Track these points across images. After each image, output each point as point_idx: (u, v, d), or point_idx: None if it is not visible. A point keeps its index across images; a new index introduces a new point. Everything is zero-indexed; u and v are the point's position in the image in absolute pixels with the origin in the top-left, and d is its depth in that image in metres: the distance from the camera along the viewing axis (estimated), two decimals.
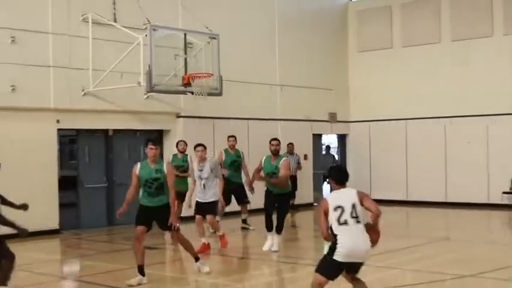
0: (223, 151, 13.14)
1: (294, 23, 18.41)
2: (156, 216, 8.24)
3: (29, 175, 12.47)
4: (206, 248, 10.33)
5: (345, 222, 5.92)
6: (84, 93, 13.61)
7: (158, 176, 8.13)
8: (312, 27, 18.96)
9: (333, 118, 19.63)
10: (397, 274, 8.78)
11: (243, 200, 13.14)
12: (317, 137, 19.51)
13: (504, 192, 17.11)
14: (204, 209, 10.48)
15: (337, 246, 5.89)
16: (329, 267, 5.96)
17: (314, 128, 18.96)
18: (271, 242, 10.40)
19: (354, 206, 5.99)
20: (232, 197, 13.16)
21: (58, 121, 13.30)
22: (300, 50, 18.52)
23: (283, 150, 16.77)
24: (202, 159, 10.50)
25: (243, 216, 13.39)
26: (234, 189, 12.91)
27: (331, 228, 5.97)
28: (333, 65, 19.69)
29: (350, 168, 20.06)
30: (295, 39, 18.40)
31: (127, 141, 14.94)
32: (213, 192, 10.43)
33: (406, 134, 18.89)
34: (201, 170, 10.44)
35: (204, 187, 10.40)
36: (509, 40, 17.45)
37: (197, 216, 10.58)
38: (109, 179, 14.55)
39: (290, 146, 16.90)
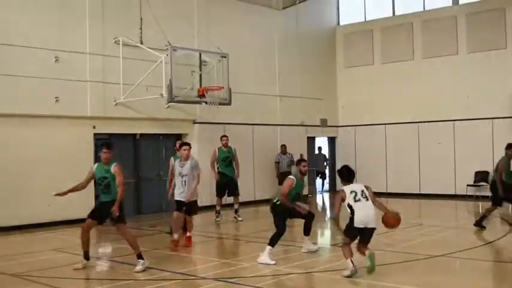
0: (217, 149, 12.92)
1: (291, 43, 18.37)
2: (103, 210, 7.96)
3: (71, 172, 12.38)
4: (188, 240, 9.45)
5: (359, 200, 7.27)
6: (116, 104, 13.60)
7: (106, 176, 7.96)
8: (307, 47, 18.92)
9: (324, 123, 19.57)
10: (378, 254, 8.69)
11: (234, 192, 12.94)
12: (311, 140, 19.47)
13: (468, 185, 17.01)
14: (186, 207, 9.55)
15: (354, 216, 7.19)
16: (350, 231, 7.25)
17: (308, 131, 18.92)
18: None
19: (363, 191, 7.36)
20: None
21: (94, 127, 13.33)
22: (296, 66, 18.49)
23: (277, 151, 16.83)
24: (186, 158, 9.58)
25: (235, 206, 13.03)
26: (226, 182, 12.72)
27: (350, 206, 7.21)
28: (324, 78, 19.64)
29: (338, 165, 20.03)
30: (292, 57, 18.37)
31: (152, 144, 14.90)
32: (193, 192, 9.55)
33: (386, 136, 18.83)
34: (182, 167, 9.55)
35: (184, 183, 9.49)
36: (472, 57, 17.38)
37: (176, 212, 9.56)
38: (136, 175, 14.51)
39: (283, 147, 16.84)
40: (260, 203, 15.98)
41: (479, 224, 10.81)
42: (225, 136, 13.18)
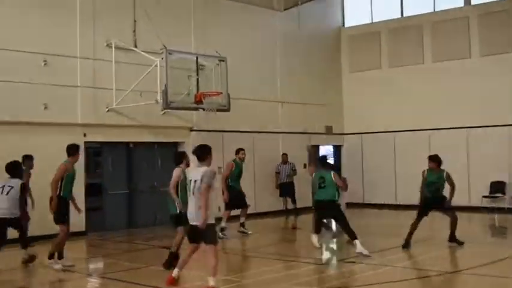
0: (233, 162, 12.81)
1: (293, 46, 18.40)
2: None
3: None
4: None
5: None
6: (108, 110, 13.62)
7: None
8: (309, 50, 18.95)
9: (328, 131, 19.57)
10: (389, 271, 8.66)
11: (245, 203, 12.85)
12: (315, 148, 19.43)
13: (484, 196, 16.96)
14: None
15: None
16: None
17: (312, 139, 18.90)
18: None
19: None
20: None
21: (85, 135, 13.33)
22: (299, 70, 18.50)
23: (279, 160, 16.80)
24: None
25: (242, 219, 12.90)
26: (235, 195, 12.61)
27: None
28: (328, 83, 19.66)
29: (344, 174, 19.97)
30: (295, 61, 18.39)
31: (146, 153, 14.90)
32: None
33: (395, 144, 18.81)
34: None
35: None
36: (485, 61, 17.41)
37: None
38: (130, 186, 14.51)
39: (284, 156, 16.78)
40: (261, 215, 15.94)
41: None
42: (243, 149, 13.07)
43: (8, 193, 9.30)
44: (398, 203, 18.38)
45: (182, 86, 13.28)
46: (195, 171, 7.14)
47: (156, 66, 12.49)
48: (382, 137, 18.98)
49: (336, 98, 19.91)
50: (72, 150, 9.59)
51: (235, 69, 14.89)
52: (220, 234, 12.06)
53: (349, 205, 19.08)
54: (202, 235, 6.99)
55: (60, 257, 9.30)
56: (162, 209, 14.10)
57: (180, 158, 9.35)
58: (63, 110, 12.94)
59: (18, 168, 9.74)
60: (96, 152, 14.23)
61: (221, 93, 13.27)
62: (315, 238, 10.83)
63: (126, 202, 14.43)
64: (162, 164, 14.85)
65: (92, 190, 13.62)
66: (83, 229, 13.07)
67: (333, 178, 10.44)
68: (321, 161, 11.67)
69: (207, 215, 6.88)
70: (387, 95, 18.99)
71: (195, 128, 15.47)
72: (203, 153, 7.19)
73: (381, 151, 19.02)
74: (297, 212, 16.24)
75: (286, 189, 16.43)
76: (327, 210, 10.48)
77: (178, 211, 8.79)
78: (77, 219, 12.77)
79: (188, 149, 15.10)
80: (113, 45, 13.56)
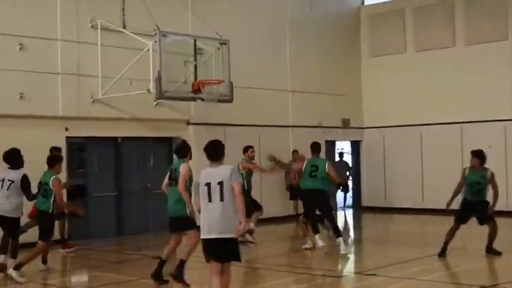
0: (245, 161, 12.77)
1: (305, 27, 18.33)
2: None
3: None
4: None
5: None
6: (93, 101, 13.61)
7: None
8: (324, 32, 18.88)
9: (346, 124, 19.52)
10: (412, 285, 8.62)
11: (259, 207, 12.77)
12: (330, 144, 19.39)
13: None
14: None
15: None
16: None
17: (327, 134, 18.83)
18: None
19: None
20: None
21: (66, 129, 13.30)
22: (312, 54, 18.45)
23: (289, 158, 16.76)
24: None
25: (251, 225, 12.63)
26: (250, 198, 12.38)
27: None
28: (345, 70, 19.59)
29: (364, 175, 20.01)
30: (307, 44, 18.33)
31: (136, 150, 14.87)
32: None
33: (421, 140, 18.72)
34: None
35: None
36: None
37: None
38: (118, 188, 14.50)
39: (295, 153, 16.73)
40: (268, 221, 15.91)
41: None
42: (252, 147, 13.11)
43: (8, 188, 9.55)
44: (425, 207, 18.31)
45: (178, 73, 13.27)
46: (213, 172, 6.57)
47: (148, 50, 12.46)
48: (407, 132, 18.90)
49: (354, 87, 19.84)
50: (51, 162, 9.71)
51: (239, 53, 14.85)
52: (250, 237, 12.39)
53: (369, 209, 19.18)
54: (229, 250, 6.48)
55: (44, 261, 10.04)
56: (156, 213, 14.15)
57: (185, 150, 9.08)
58: (41, 100, 12.92)
59: (17, 157, 9.83)
60: (79, 148, 14.23)
61: (223, 81, 13.27)
62: (317, 239, 11.17)
63: (114, 206, 14.41)
64: (155, 162, 14.84)
65: (74, 193, 13.59)
66: (66, 237, 13.04)
67: (326, 168, 11.10)
68: (312, 148, 12.08)
69: (245, 221, 6.50)
70: (413, 82, 18.90)
71: (192, 121, 15.45)
72: (221, 151, 6.85)
73: (405, 147, 18.94)
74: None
75: (297, 191, 16.41)
76: (314, 200, 11.14)
77: (188, 214, 8.53)
78: (58, 226, 12.80)
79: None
80: (99, 26, 13.53)
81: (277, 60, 17.54)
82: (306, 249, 11.63)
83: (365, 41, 20.12)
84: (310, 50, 18.40)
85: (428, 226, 16.96)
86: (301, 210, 16.15)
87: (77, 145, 14.11)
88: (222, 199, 6.41)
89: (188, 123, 15.44)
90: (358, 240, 14.16)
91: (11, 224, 9.66)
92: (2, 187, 9.61)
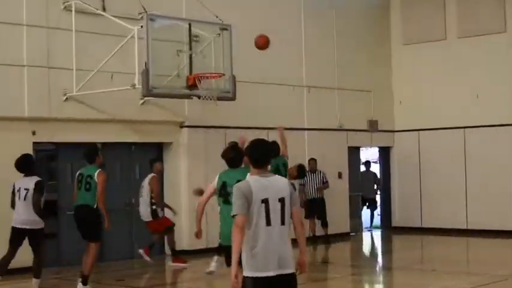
0: None
1: (323, 10, 18.33)
2: None
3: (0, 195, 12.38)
4: None
5: None
6: (66, 99, 13.60)
7: None
8: (346, 16, 18.88)
9: (373, 127, 19.46)
10: None
11: None
12: (354, 151, 19.34)
13: None
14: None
15: None
16: None
17: (350, 139, 18.80)
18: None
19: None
20: None
21: (34, 133, 13.26)
22: (332, 43, 18.44)
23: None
24: None
25: None
26: None
27: None
28: (373, 61, 19.56)
29: (394, 189, 19.91)
30: (326, 31, 18.34)
31: (119, 158, 14.88)
32: None
33: (465, 145, 18.64)
34: None
35: None
36: None
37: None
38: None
39: (312, 162, 16.75)
40: None
41: None
42: None
43: (25, 197, 10.52)
44: (470, 228, 18.22)
45: (169, 65, 13.28)
46: (268, 185, 5.78)
47: (132, 37, 12.43)
48: (449, 136, 18.84)
49: (383, 82, 19.82)
50: (91, 156, 11.08)
51: (243, 41, 14.79)
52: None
53: (401, 230, 19.07)
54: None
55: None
56: (142, 235, 14.10)
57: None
58: (2, 98, 12.89)
59: (30, 163, 10.81)
60: (49, 156, 14.22)
61: (223, 74, 13.24)
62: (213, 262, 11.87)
63: None
64: (141, 172, 14.81)
65: (43, 209, 13.53)
66: (31, 264, 13.00)
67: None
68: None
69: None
70: (455, 76, 18.85)
71: (187, 124, 15.43)
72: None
73: (446, 155, 18.87)
74: (329, 239, 16.13)
75: (314, 207, 16.39)
76: None
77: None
78: (23, 250, 12.77)
79: (180, 151, 15.09)
80: (73, 8, 13.50)
81: (290, 49, 17.48)
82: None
83: (396, 27, 20.11)
84: (329, 38, 18.38)
85: (473, 251, 16.89)
86: (319, 230, 16.16)
87: (46, 152, 14.07)
88: (283, 222, 5.75)
89: (181, 126, 15.42)
90: (386, 269, 14.08)
91: (32, 237, 10.57)
92: (19, 198, 10.57)
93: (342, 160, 18.53)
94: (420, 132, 19.44)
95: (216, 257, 11.79)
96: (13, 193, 10.78)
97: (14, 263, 11.12)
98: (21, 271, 11.77)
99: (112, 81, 13.45)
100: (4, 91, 12.91)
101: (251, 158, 5.85)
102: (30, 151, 13.08)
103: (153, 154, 15.08)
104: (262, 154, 5.83)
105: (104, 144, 14.48)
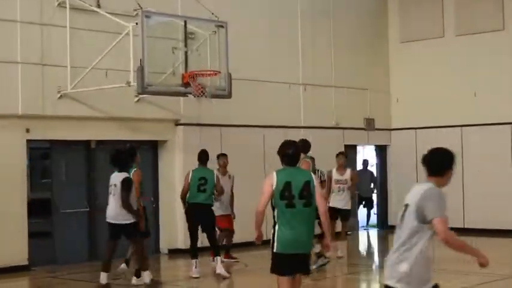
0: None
1: (320, 7, 18.32)
2: None
3: None
4: None
5: None
6: (60, 96, 13.59)
7: None
8: (344, 14, 18.88)
9: (369, 125, 19.47)
10: None
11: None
12: (350, 149, 19.32)
13: None
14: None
15: None
16: None
17: (346, 137, 18.81)
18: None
19: None
20: None
21: (28, 130, 13.27)
22: (328, 40, 18.44)
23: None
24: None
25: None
26: None
27: None
28: (370, 58, 19.58)
29: (391, 187, 19.94)
30: (322, 28, 18.33)
31: None
32: None
33: (462, 144, 18.65)
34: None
35: None
36: None
37: None
38: (91, 202, 14.49)
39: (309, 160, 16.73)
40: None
41: None
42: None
43: (115, 193, 10.83)
44: (466, 226, 18.23)
45: (165, 63, 13.29)
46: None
47: (127, 34, 12.44)
48: (446, 134, 18.81)
49: (380, 79, 19.84)
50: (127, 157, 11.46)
51: (239, 39, 14.82)
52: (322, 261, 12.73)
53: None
54: None
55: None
56: None
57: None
58: None
59: (121, 158, 11.02)
60: (43, 154, 14.23)
61: (219, 72, 13.25)
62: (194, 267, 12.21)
63: (85, 224, 14.40)
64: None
65: (37, 208, 13.60)
66: (25, 262, 13.03)
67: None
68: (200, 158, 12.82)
69: None
70: (453, 74, 18.86)
71: (182, 121, 15.44)
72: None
73: None
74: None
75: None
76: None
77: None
78: (18, 249, 12.79)
79: (176, 149, 15.11)
80: (68, 5, 13.50)
81: (286, 47, 17.51)
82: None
83: (394, 24, 20.12)
84: (326, 35, 18.39)
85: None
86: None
87: (40, 150, 14.08)
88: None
89: (177, 124, 15.43)
90: (383, 268, 14.09)
91: (125, 231, 10.87)
92: (110, 193, 10.97)
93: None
94: (417, 130, 19.44)
95: (194, 261, 12.15)
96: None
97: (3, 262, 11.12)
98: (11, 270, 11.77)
99: (107, 79, 13.44)
100: None
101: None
102: (24, 149, 13.15)
103: (148, 152, 15.10)
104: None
105: (98, 142, 14.55)
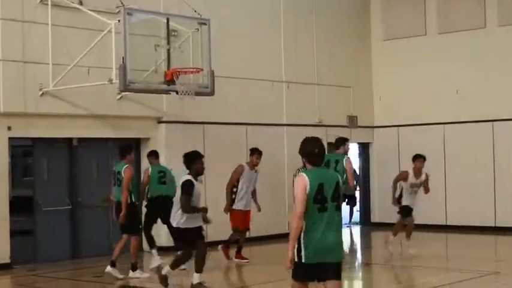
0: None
1: (304, 6, 18.37)
2: None
3: None
4: None
5: None
6: (42, 93, 13.55)
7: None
8: (326, 11, 18.93)
9: (352, 123, 19.55)
10: None
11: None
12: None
13: None
14: None
15: None
16: None
17: (329, 134, 18.84)
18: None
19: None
20: None
21: (9, 128, 13.25)
22: (311, 38, 18.50)
23: (283, 162, 16.79)
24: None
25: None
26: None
27: None
28: (352, 56, 19.66)
29: (374, 184, 20.05)
30: (305, 26, 18.38)
31: (96, 154, 14.89)
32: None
33: (444, 141, 18.78)
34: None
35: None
36: None
37: None
38: (73, 200, 14.49)
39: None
40: (258, 241, 15.91)
41: None
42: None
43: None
44: (448, 224, 18.38)
45: (147, 60, 13.25)
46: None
47: (110, 31, 12.44)
48: (428, 132, 18.95)
49: (362, 77, 19.92)
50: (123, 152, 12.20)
51: (222, 36, 14.85)
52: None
53: (381, 226, 19.17)
54: None
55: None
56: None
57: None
58: None
59: (190, 160, 10.79)
60: (25, 152, 14.19)
61: (201, 69, 13.26)
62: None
63: (67, 222, 14.38)
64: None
65: (19, 206, 13.57)
66: (7, 260, 13.02)
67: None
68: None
69: None
70: (435, 72, 18.96)
71: (164, 119, 15.45)
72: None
73: (425, 151, 18.84)
74: None
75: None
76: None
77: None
78: None
79: (158, 147, 15.13)
80: (49, 2, 13.46)
81: (269, 44, 17.55)
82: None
83: (376, 22, 20.20)
84: (309, 33, 18.44)
85: (452, 247, 17.05)
86: None
87: (22, 148, 14.05)
88: None
89: (159, 121, 15.45)
90: (365, 264, 14.22)
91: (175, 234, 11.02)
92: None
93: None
94: (400, 128, 19.53)
95: (154, 251, 13.06)
96: None
97: None
98: None
99: (89, 76, 13.41)
100: None
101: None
102: (6, 147, 13.12)
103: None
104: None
105: (80, 139, 14.54)
